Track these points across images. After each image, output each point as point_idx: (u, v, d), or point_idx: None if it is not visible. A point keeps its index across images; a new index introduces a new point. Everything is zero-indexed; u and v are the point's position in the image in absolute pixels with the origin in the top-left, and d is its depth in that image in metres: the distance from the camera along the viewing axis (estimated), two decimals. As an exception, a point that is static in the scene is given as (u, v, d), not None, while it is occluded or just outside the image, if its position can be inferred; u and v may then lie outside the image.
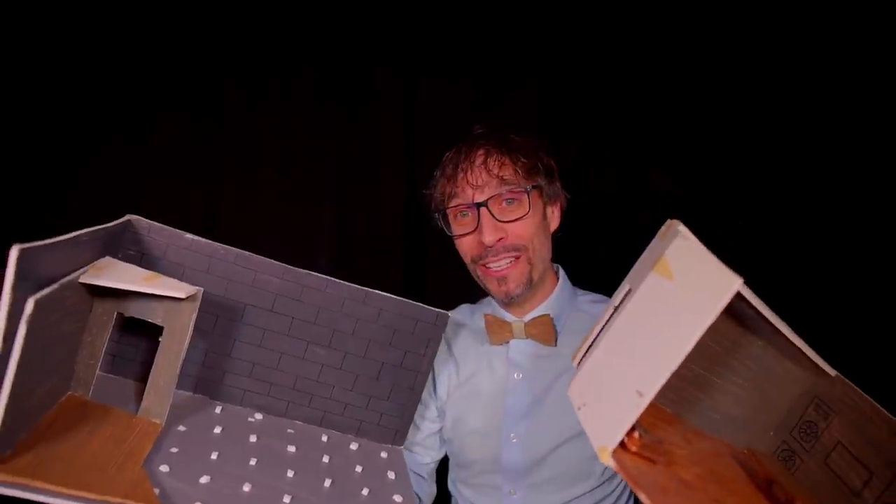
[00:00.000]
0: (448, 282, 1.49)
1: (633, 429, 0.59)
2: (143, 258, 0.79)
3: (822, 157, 1.32)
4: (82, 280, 0.66)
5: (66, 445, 0.66)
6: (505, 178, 1.04)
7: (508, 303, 1.10)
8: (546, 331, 1.09)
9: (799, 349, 0.68)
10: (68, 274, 0.65)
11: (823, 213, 1.32)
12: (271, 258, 1.47)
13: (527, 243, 1.06)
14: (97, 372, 0.75)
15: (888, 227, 1.26)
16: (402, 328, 0.90)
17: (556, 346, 1.09)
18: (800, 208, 1.34)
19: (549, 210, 1.12)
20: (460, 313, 1.21)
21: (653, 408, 0.73)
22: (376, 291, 0.88)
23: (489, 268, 1.07)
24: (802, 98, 1.33)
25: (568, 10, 1.48)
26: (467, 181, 1.06)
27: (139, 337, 0.82)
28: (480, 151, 1.07)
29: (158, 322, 0.73)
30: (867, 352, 1.22)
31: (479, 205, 1.04)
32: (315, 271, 1.49)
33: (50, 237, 1.44)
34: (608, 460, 0.56)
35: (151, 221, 0.79)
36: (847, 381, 0.73)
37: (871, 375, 1.21)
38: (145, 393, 0.75)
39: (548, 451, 1.06)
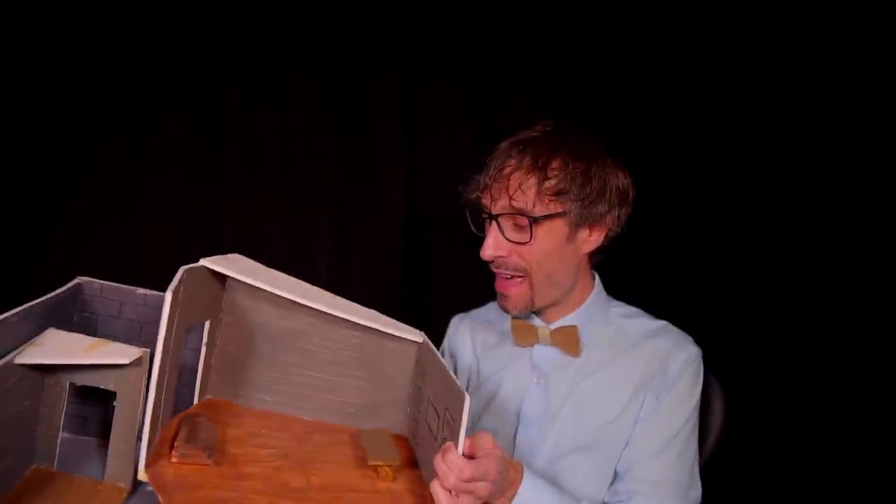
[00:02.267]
0: (449, 282, 1.45)
1: (173, 445, 0.67)
2: (99, 319, 0.74)
3: (822, 157, 1.22)
4: (18, 361, 0.60)
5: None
6: (515, 202, 0.96)
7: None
8: (571, 341, 1.02)
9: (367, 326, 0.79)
10: (2, 356, 0.60)
11: (823, 213, 1.22)
12: (271, 258, 1.41)
13: (529, 267, 0.99)
14: (60, 439, 0.70)
15: (888, 227, 1.16)
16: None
17: (579, 356, 1.02)
18: (800, 208, 1.24)
19: (582, 233, 1.00)
20: (492, 311, 1.15)
21: (278, 420, 0.81)
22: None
23: (498, 275, 1.02)
24: (802, 98, 1.23)
25: (567, 10, 1.37)
26: (489, 189, 1.00)
27: (101, 397, 0.76)
28: (511, 162, 0.99)
29: (111, 388, 0.67)
30: (867, 351, 1.16)
31: (491, 217, 1.00)
32: (315, 272, 1.44)
33: (50, 237, 1.36)
34: (142, 476, 0.63)
35: (103, 282, 0.73)
36: (430, 342, 0.79)
37: (871, 375, 1.16)
38: (108, 458, 0.69)
39: (556, 459, 0.99)
